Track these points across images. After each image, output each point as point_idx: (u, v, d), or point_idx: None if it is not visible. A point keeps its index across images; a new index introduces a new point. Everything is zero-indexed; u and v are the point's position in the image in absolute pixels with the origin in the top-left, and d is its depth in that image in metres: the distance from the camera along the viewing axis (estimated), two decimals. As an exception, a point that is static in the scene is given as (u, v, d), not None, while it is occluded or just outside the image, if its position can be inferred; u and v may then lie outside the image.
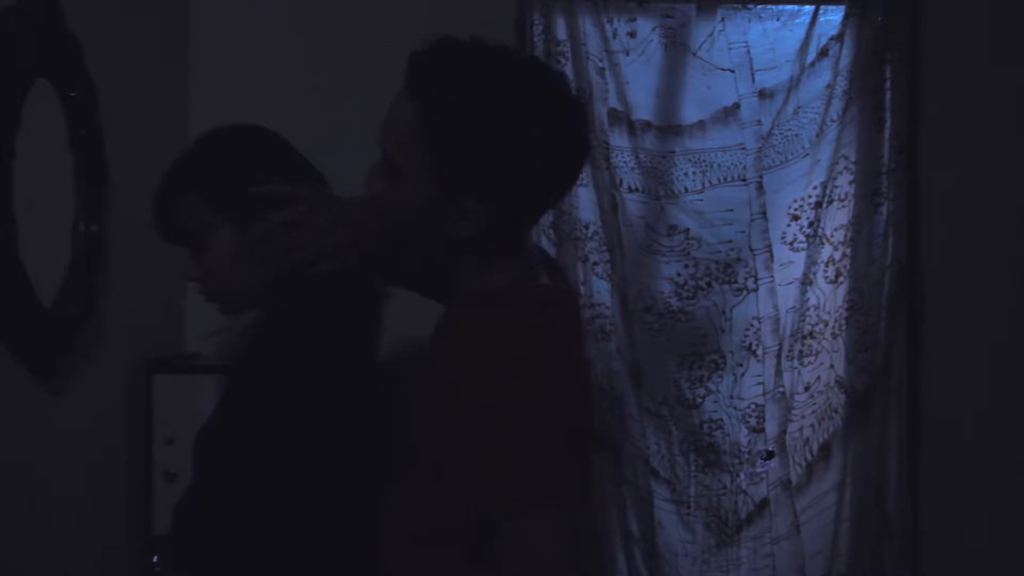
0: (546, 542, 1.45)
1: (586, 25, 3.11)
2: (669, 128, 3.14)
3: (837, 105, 3.13)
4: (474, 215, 1.49)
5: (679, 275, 3.14)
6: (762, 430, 3.12)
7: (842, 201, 3.15)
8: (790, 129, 3.15)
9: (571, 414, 1.53)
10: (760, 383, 3.12)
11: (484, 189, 1.48)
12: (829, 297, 3.16)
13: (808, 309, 3.15)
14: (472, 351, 1.49)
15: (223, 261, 1.79)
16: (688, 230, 3.13)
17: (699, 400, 3.14)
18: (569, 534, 1.47)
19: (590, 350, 3.10)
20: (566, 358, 1.56)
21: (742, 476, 3.14)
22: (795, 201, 3.16)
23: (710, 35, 3.14)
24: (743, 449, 3.13)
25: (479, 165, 1.47)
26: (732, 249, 3.13)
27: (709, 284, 3.14)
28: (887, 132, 3.14)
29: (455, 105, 1.46)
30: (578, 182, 3.08)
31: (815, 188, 3.15)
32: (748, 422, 3.13)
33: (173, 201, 1.82)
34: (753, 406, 3.12)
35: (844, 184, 3.15)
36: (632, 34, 3.14)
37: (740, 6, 3.14)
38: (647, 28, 3.15)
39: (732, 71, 3.12)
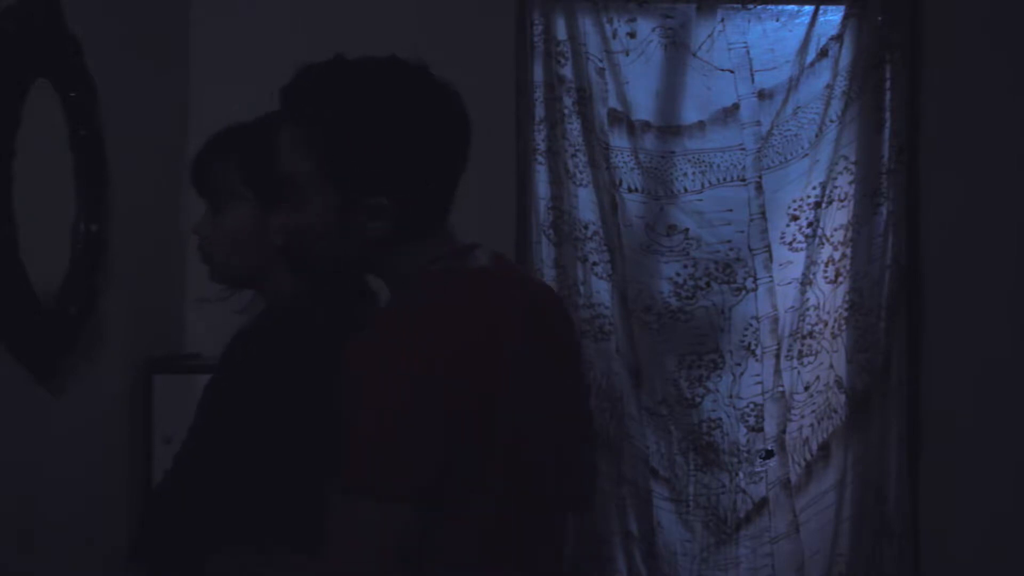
0: (359, 527, 1.40)
1: (586, 25, 3.11)
2: (669, 128, 3.14)
3: (837, 105, 3.13)
4: (385, 211, 1.50)
5: (678, 275, 3.14)
6: (761, 429, 3.12)
7: (842, 201, 3.15)
8: (789, 129, 3.15)
9: (463, 401, 1.44)
10: (759, 383, 3.12)
11: (387, 182, 1.49)
12: (829, 297, 3.16)
13: (808, 309, 3.15)
14: (362, 341, 1.47)
15: (229, 234, 1.81)
16: (687, 230, 3.13)
17: (698, 399, 3.14)
18: (396, 529, 1.41)
19: (588, 347, 3.11)
20: (478, 340, 1.48)
21: (741, 475, 3.14)
22: (794, 201, 3.17)
23: (710, 35, 3.14)
24: (742, 448, 3.14)
25: (376, 159, 1.49)
26: (731, 249, 3.13)
27: (708, 284, 3.14)
28: (887, 132, 3.15)
29: (339, 111, 1.50)
30: (579, 183, 3.11)
31: (814, 188, 3.15)
32: (747, 421, 3.13)
33: (214, 158, 1.85)
34: (752, 405, 3.13)
35: (844, 184, 3.15)
36: (632, 34, 3.14)
37: (740, 6, 3.14)
38: (647, 28, 3.15)
39: (732, 71, 3.13)
